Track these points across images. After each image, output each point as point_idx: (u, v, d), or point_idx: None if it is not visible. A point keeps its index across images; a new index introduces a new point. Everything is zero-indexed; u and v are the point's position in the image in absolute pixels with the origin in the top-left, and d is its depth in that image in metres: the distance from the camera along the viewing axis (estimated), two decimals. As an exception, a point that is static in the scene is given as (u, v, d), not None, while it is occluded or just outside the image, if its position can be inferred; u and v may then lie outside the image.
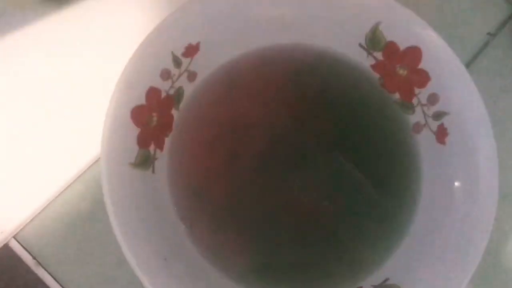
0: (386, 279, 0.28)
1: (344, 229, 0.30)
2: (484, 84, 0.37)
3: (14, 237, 0.31)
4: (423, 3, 0.38)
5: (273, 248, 0.29)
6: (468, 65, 0.37)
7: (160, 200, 0.28)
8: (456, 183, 0.29)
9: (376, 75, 0.32)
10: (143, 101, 0.28)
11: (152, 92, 0.28)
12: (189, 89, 0.31)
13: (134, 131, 0.27)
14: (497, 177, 0.27)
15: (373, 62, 0.32)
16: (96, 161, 0.32)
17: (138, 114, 0.27)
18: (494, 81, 0.37)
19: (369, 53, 0.31)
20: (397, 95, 0.32)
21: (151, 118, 0.28)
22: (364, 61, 0.32)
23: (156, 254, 0.26)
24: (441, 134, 0.30)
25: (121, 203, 0.26)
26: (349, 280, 0.29)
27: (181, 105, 0.30)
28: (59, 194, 0.32)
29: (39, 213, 0.31)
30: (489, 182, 0.27)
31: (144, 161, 0.28)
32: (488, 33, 0.38)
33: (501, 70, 0.37)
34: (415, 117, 0.31)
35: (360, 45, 0.31)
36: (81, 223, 0.31)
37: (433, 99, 0.30)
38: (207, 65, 0.31)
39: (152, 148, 0.29)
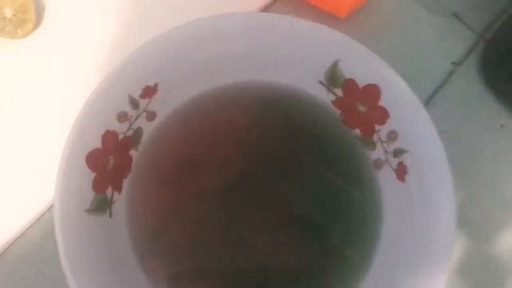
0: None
1: (308, 262, 0.30)
2: (449, 112, 0.37)
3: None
4: (387, 35, 0.38)
5: (234, 283, 0.29)
6: (433, 94, 0.38)
7: (117, 243, 0.28)
8: (418, 221, 0.29)
9: (337, 111, 0.32)
10: (99, 145, 0.28)
11: (109, 135, 0.28)
12: (148, 128, 0.30)
13: (90, 175, 0.27)
14: (454, 220, 0.27)
15: (333, 98, 0.32)
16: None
17: (94, 159, 0.27)
18: (459, 109, 0.37)
19: (329, 90, 0.32)
20: (358, 131, 0.32)
21: (107, 161, 0.28)
22: (325, 97, 0.32)
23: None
24: (401, 172, 0.30)
25: (75, 249, 0.26)
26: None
27: (140, 145, 0.30)
28: (20, 235, 0.32)
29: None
30: (447, 225, 0.27)
31: (101, 206, 0.28)
32: (453, 62, 0.38)
33: (466, 98, 0.38)
34: (376, 154, 0.31)
35: (321, 82, 0.31)
36: (42, 265, 0.31)
37: (392, 136, 0.30)
38: (166, 104, 0.31)
39: (109, 191, 0.28)
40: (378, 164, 0.31)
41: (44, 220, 0.32)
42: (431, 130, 0.29)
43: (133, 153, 0.30)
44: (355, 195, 0.31)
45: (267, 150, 0.32)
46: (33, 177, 0.32)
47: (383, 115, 0.30)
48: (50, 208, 0.32)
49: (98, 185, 0.28)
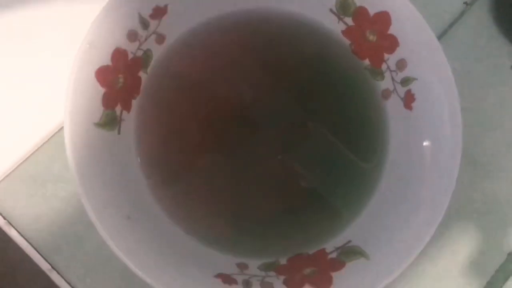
0: (349, 241, 0.29)
1: (310, 192, 0.31)
2: (459, 51, 0.37)
3: (-16, 197, 0.31)
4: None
5: (237, 208, 0.30)
6: (443, 34, 0.37)
7: (125, 160, 0.29)
8: (422, 147, 0.29)
9: (347, 41, 0.32)
10: (108, 62, 0.28)
11: (118, 53, 0.28)
12: (157, 52, 0.31)
13: (99, 91, 0.27)
14: (460, 144, 0.27)
15: (343, 27, 0.32)
16: (67, 123, 0.32)
17: (104, 75, 0.27)
18: (469, 49, 0.37)
19: (340, 19, 0.31)
20: (367, 61, 0.32)
21: (117, 79, 0.28)
22: (335, 27, 0.32)
23: (119, 213, 0.26)
24: (408, 100, 0.30)
25: (85, 162, 0.26)
26: (312, 242, 0.29)
27: (150, 68, 0.30)
28: (29, 156, 0.32)
29: (9, 173, 0.32)
30: (453, 145, 0.27)
31: (110, 122, 0.28)
32: (465, 2, 0.38)
33: (476, 40, 0.37)
34: (384, 84, 0.31)
35: (331, 10, 0.31)
36: (50, 184, 0.32)
37: (401, 64, 0.30)
38: (175, 28, 0.31)
39: (118, 109, 0.29)
40: (386, 94, 0.31)
41: (53, 142, 0.32)
42: (441, 58, 0.28)
43: (142, 74, 0.30)
44: (364, 124, 0.32)
45: (275, 79, 0.32)
46: (42, 98, 0.33)
47: (393, 44, 0.30)
48: (59, 131, 0.32)
49: (108, 102, 0.28)
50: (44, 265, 0.30)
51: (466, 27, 0.37)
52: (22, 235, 0.31)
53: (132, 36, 0.29)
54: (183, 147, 0.30)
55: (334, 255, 0.28)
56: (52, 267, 0.31)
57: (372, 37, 0.31)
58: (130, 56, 0.29)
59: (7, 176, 0.32)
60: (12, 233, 0.31)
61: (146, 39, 0.30)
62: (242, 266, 0.28)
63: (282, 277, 0.27)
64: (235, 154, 0.31)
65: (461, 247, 0.34)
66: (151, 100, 0.30)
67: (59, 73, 0.32)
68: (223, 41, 0.32)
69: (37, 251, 0.31)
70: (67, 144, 0.25)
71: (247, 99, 0.31)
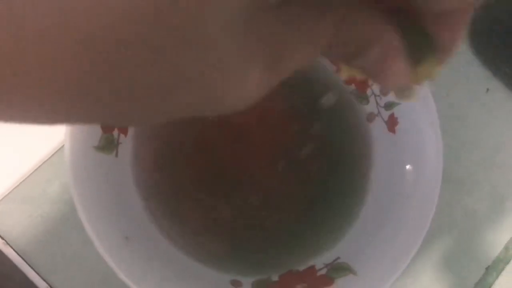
0: (337, 258, 0.30)
1: (299, 212, 0.32)
2: (438, 78, 0.39)
3: (-18, 218, 0.32)
4: None
5: (231, 228, 0.31)
6: (423, 59, 0.39)
7: (123, 182, 0.30)
8: (405, 167, 0.31)
9: (333, 68, 0.34)
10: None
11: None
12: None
13: (98, 116, 0.29)
14: (441, 162, 0.29)
15: (330, 54, 0.33)
16: (62, 146, 0.33)
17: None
18: (447, 74, 0.39)
19: (327, 46, 0.33)
20: (353, 86, 0.34)
21: (115, 104, 0.30)
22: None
23: (117, 232, 0.27)
24: (391, 124, 0.32)
25: (84, 184, 0.27)
26: (303, 259, 0.31)
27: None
28: (27, 177, 0.33)
29: (7, 195, 0.33)
30: (434, 167, 0.29)
31: (108, 145, 0.29)
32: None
33: (455, 64, 0.39)
34: (369, 108, 0.33)
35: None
36: (48, 205, 0.33)
37: (384, 90, 0.32)
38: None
39: (115, 133, 0.30)
40: (370, 117, 0.33)
41: (49, 164, 0.33)
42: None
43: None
44: (349, 146, 0.33)
45: (266, 104, 0.33)
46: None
47: (376, 70, 0.32)
48: (55, 153, 0.33)
49: (106, 126, 0.29)
50: (42, 285, 0.31)
51: (444, 52, 0.40)
52: (20, 255, 0.32)
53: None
54: (178, 169, 0.32)
55: (323, 271, 0.30)
56: (50, 286, 0.31)
57: (357, 64, 0.33)
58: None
59: (5, 197, 0.32)
60: (10, 253, 0.32)
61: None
62: (236, 283, 0.29)
63: (274, 294, 0.29)
64: (228, 176, 0.32)
65: (442, 262, 0.35)
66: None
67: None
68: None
69: (35, 271, 0.31)
70: (68, 167, 0.26)
71: (241, 122, 0.33)
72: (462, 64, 0.40)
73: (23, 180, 0.33)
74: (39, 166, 0.33)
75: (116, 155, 0.30)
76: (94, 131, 0.28)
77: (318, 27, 0.13)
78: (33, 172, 0.33)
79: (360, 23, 0.14)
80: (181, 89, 0.12)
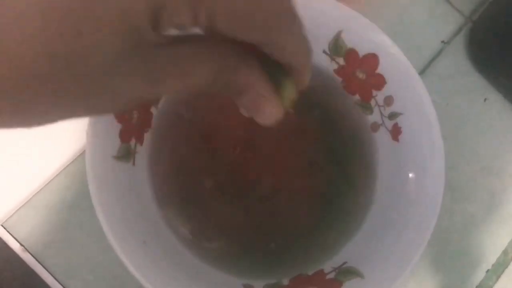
0: (345, 262, 0.32)
1: (308, 217, 0.33)
2: (438, 86, 0.41)
3: (2, 224, 0.33)
4: (384, 13, 0.42)
5: (245, 234, 0.32)
6: (423, 70, 0.41)
7: (140, 189, 0.31)
8: (409, 174, 0.32)
9: (338, 79, 0.35)
10: (125, 99, 0.30)
11: (134, 92, 0.31)
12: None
13: (117, 127, 0.30)
14: (443, 170, 0.31)
15: (336, 66, 0.35)
16: (80, 154, 0.35)
17: (121, 112, 0.30)
18: (447, 83, 0.41)
19: (332, 59, 0.35)
20: (357, 97, 0.35)
21: (132, 115, 0.31)
22: (328, 66, 0.35)
23: (136, 237, 0.29)
24: (395, 133, 0.33)
25: (104, 192, 0.28)
26: (311, 264, 0.32)
27: (160, 103, 0.33)
28: (45, 185, 0.34)
29: (26, 202, 0.34)
30: (437, 173, 0.31)
31: (126, 154, 0.30)
32: (442, 41, 0.42)
33: (454, 74, 0.41)
34: (373, 117, 0.35)
35: (324, 51, 0.35)
36: (66, 212, 0.34)
37: (388, 100, 0.34)
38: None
39: (132, 142, 0.31)
40: (374, 127, 0.35)
41: (66, 173, 0.35)
42: (424, 93, 0.32)
43: (153, 110, 0.33)
44: (354, 154, 0.35)
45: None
46: (55, 131, 0.35)
47: (380, 82, 0.34)
48: (72, 162, 0.35)
49: (124, 136, 0.30)
50: (60, 289, 0.32)
51: (444, 63, 0.41)
52: (38, 261, 0.33)
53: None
54: (194, 177, 0.33)
55: (332, 275, 0.31)
56: (68, 291, 0.32)
57: (361, 76, 0.34)
58: (143, 93, 0.32)
59: (24, 204, 0.34)
60: (28, 259, 0.33)
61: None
62: (248, 287, 0.31)
63: (285, 297, 0.30)
64: (241, 182, 0.33)
65: (442, 265, 0.37)
66: (161, 132, 0.33)
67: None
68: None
69: (53, 276, 0.33)
70: (89, 176, 0.28)
71: (251, 130, 0.34)
72: (461, 74, 0.41)
73: (42, 188, 0.34)
74: (58, 174, 0.34)
75: (133, 163, 0.31)
76: (112, 141, 0.30)
77: (193, 68, 0.17)
78: (52, 180, 0.34)
79: (239, 73, 0.18)
80: (91, 95, 0.16)
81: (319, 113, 0.36)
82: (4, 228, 0.33)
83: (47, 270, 0.33)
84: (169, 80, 0.17)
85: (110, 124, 0.30)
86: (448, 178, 0.37)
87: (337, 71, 0.35)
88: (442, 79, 0.41)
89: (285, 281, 0.31)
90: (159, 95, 0.19)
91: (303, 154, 0.35)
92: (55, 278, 0.33)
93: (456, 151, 0.40)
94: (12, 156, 0.35)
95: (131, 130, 0.31)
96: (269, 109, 0.20)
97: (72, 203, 0.34)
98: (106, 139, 0.29)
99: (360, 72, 0.34)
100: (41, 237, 0.33)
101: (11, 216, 0.34)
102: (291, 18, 0.18)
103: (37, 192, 0.34)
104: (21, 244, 0.33)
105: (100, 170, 0.29)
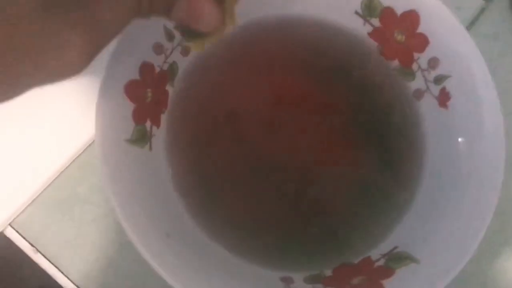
0: (395, 247, 0.28)
1: (352, 200, 0.30)
2: (482, 50, 0.36)
3: (10, 224, 0.30)
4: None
5: (277, 223, 0.29)
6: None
7: (159, 177, 0.28)
8: (461, 142, 0.28)
9: (374, 43, 0.31)
10: (137, 76, 0.27)
11: (146, 67, 0.27)
12: (182, 64, 0.30)
13: (129, 107, 0.27)
14: (502, 133, 0.27)
15: (370, 29, 0.31)
16: (90, 144, 0.32)
17: (133, 89, 0.27)
18: (492, 46, 0.37)
19: (366, 20, 0.31)
20: (396, 62, 0.31)
21: (146, 93, 0.28)
22: (361, 29, 0.31)
23: (158, 230, 0.25)
24: (443, 99, 0.29)
25: (119, 181, 0.25)
26: (356, 251, 0.28)
27: (176, 81, 0.30)
28: (54, 179, 0.31)
29: (34, 199, 0.31)
30: (495, 138, 0.27)
31: (141, 138, 0.27)
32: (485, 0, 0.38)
33: (498, 34, 0.37)
34: (416, 84, 0.31)
35: (356, 12, 0.31)
36: (78, 207, 0.31)
37: (433, 63, 0.30)
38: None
39: (148, 124, 0.28)
40: (418, 94, 0.31)
41: (76, 165, 0.31)
42: (474, 50, 0.28)
43: (169, 88, 0.29)
44: (398, 127, 0.31)
45: (307, 85, 0.31)
46: (63, 121, 0.32)
47: (422, 42, 0.30)
48: (82, 153, 0.31)
49: (138, 117, 0.27)
50: (75, 291, 0.29)
51: (487, 24, 0.37)
52: (50, 261, 0.30)
53: (158, 49, 0.28)
54: (216, 162, 0.29)
55: (381, 262, 0.27)
56: (85, 293, 0.29)
57: (400, 37, 0.30)
58: (157, 69, 0.28)
59: (32, 201, 0.30)
60: (40, 260, 0.30)
61: (171, 52, 0.29)
62: (287, 280, 0.27)
63: (330, 288, 0.26)
64: (269, 166, 0.30)
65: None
66: (179, 113, 0.29)
67: (83, 93, 0.31)
68: (248, 50, 0.31)
69: (67, 277, 0.29)
70: (101, 162, 0.24)
71: (275, 107, 0.31)
72: (504, 34, 0.37)
73: (52, 182, 0.31)
74: (68, 166, 0.31)
75: (150, 148, 0.28)
76: (125, 123, 0.26)
77: None
78: (61, 173, 0.31)
79: None
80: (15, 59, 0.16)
81: (353, 84, 0.32)
82: (13, 227, 0.30)
83: (61, 272, 0.30)
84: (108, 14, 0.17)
85: (122, 103, 0.26)
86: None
87: (371, 34, 0.31)
88: (485, 40, 0.37)
89: (328, 272, 0.28)
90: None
91: (338, 131, 0.31)
92: (70, 280, 0.29)
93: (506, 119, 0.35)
94: (17, 151, 0.31)
95: (145, 110, 0.28)
96: (207, 10, 0.19)
97: (84, 198, 0.31)
98: (117, 120, 0.26)
99: (399, 34, 0.30)
100: (52, 236, 0.30)
101: (19, 215, 0.30)
102: None
103: (46, 188, 0.31)
104: (31, 245, 0.30)
105: (113, 156, 0.25)
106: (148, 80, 0.28)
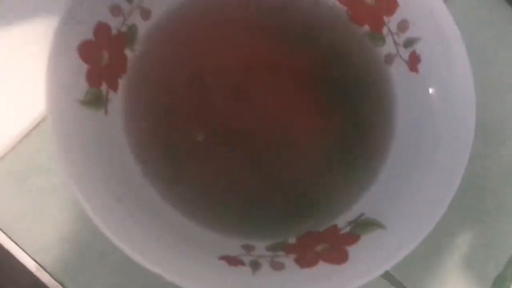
0: (361, 214, 0.27)
1: (319, 167, 0.28)
2: (462, 18, 0.35)
3: (-36, 195, 0.29)
4: None
5: (238, 189, 0.28)
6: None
7: (114, 141, 0.26)
8: (432, 106, 0.27)
9: (343, 8, 0.30)
10: (91, 36, 0.26)
11: (101, 28, 0.26)
12: (143, 28, 0.29)
13: (82, 67, 0.25)
14: (473, 96, 0.25)
15: (339, -7, 0.30)
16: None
17: (86, 50, 0.26)
18: (470, 16, 0.36)
19: (334, -16, 0.30)
20: (366, 27, 0.30)
21: (101, 55, 0.26)
22: (329, -7, 0.30)
23: (109, 195, 0.24)
24: (413, 62, 0.28)
25: (68, 143, 0.24)
26: (323, 219, 0.27)
27: (136, 44, 0.28)
28: (12, 148, 0.30)
29: (-10, 169, 0.29)
30: (466, 102, 0.26)
31: (95, 101, 0.26)
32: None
33: (478, 6, 0.36)
34: (386, 48, 0.30)
35: (324, -25, 0.30)
36: (36, 177, 0.29)
37: (403, 25, 0.29)
38: (161, 1, 0.29)
39: (104, 87, 0.27)
40: (388, 59, 0.30)
41: (37, 131, 0.30)
42: (443, 11, 0.27)
43: (128, 52, 0.28)
44: (368, 93, 0.30)
45: (271, 50, 0.30)
46: (20, 89, 0.31)
47: (392, 5, 0.29)
48: (41, 121, 0.30)
49: (92, 79, 0.26)
50: (30, 264, 0.28)
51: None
52: (7, 235, 0.29)
53: (115, 10, 0.27)
54: (176, 127, 0.28)
55: (347, 229, 0.26)
56: (40, 265, 0.28)
57: (370, 1, 0.29)
58: (114, 31, 0.27)
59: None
60: (-3, 235, 0.29)
61: (130, 14, 0.28)
62: (248, 248, 0.26)
63: (292, 256, 0.25)
64: (233, 132, 0.28)
65: (475, 222, 0.32)
66: (138, 79, 0.28)
67: (38, 58, 0.30)
68: (213, 14, 0.30)
69: (23, 250, 0.28)
70: (51, 122, 0.23)
71: (242, 72, 0.29)
72: (487, 5, 0.36)
73: (8, 152, 0.30)
74: (26, 135, 0.30)
75: (105, 112, 0.26)
76: (79, 84, 0.25)
77: None
78: (19, 142, 0.30)
79: None
80: None
81: (322, 50, 0.31)
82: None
83: (16, 244, 0.28)
84: None
85: (74, 60, 0.25)
86: (478, 119, 0.32)
87: (340, -1, 0.30)
88: (466, 10, 0.36)
89: (292, 240, 0.26)
90: None
91: (306, 97, 0.30)
92: (26, 252, 0.28)
93: (482, 91, 0.34)
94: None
95: (101, 73, 0.26)
96: None
97: (42, 167, 0.29)
98: (70, 80, 0.25)
99: (368, -4, 0.29)
100: (10, 207, 0.29)
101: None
102: None
103: (2, 157, 0.30)
104: (-14, 217, 0.29)
105: (64, 116, 0.24)
106: (104, 42, 0.26)
